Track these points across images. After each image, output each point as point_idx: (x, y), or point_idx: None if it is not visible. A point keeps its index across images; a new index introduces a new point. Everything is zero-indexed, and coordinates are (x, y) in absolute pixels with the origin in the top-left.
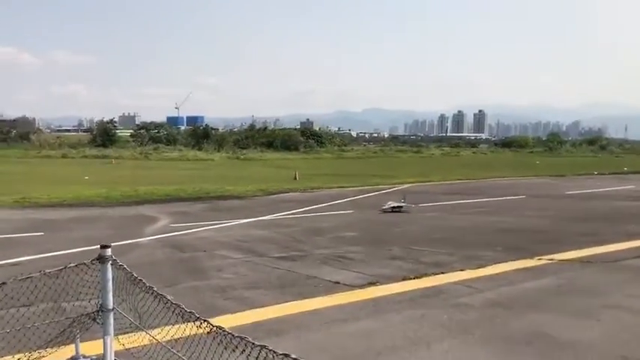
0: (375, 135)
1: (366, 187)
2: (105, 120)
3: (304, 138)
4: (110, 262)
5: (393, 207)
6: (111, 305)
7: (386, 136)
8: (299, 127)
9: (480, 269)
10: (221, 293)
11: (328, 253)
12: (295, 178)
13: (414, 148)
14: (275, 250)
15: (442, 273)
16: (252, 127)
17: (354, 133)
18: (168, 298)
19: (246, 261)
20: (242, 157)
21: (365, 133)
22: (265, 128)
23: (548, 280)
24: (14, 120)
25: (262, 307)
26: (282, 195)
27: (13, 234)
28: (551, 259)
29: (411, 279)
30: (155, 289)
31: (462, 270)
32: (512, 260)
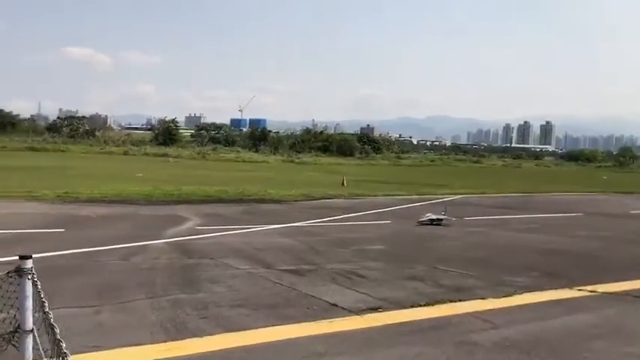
0: (437, 143)
1: (413, 197)
2: (167, 119)
3: (360, 144)
4: (30, 275)
5: (432, 219)
6: (30, 326)
7: (448, 144)
8: (359, 132)
9: (505, 298)
10: (200, 311)
11: (342, 268)
12: (343, 184)
13: (473, 158)
14: (287, 262)
15: (459, 300)
16: (308, 130)
17: (414, 141)
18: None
19: (249, 272)
20: (297, 160)
21: (426, 140)
22: (322, 132)
23: (584, 318)
24: (82, 117)
25: (237, 330)
26: (323, 201)
27: (33, 229)
28: (594, 291)
29: (420, 306)
30: (51, 316)
31: (483, 298)
32: (546, 289)
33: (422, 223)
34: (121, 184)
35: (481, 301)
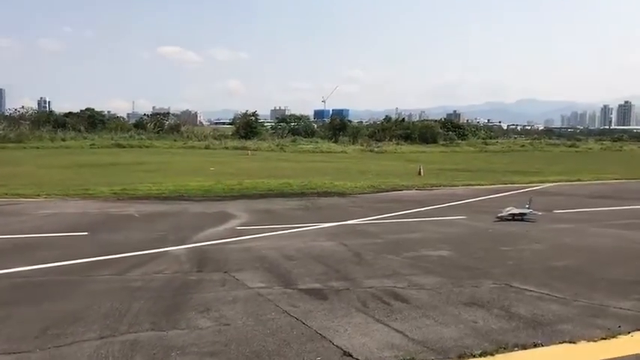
0: (528, 128)
1: (497, 186)
2: (248, 113)
3: (444, 130)
4: None
5: (514, 214)
6: None
7: (540, 128)
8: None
9: (606, 342)
10: None
11: (383, 285)
12: (419, 174)
13: (568, 142)
14: (315, 276)
15: (534, 346)
16: (389, 118)
17: (504, 126)
18: None
19: (258, 294)
20: (376, 149)
21: (517, 125)
22: (403, 120)
23: None
24: (168, 113)
25: None
26: (393, 193)
27: (55, 233)
28: None
29: (472, 358)
30: None
31: (571, 342)
32: None
33: (501, 219)
34: (186, 179)
35: (567, 345)
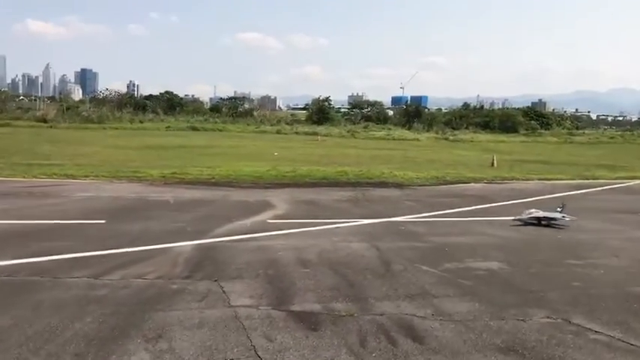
0: (620, 119)
1: (577, 181)
2: (321, 98)
3: (526, 119)
4: None
5: (539, 218)
6: None
7: (634, 119)
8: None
9: None
10: None
11: (398, 312)
12: (492, 165)
13: None
14: (319, 293)
15: None
16: (466, 105)
17: (593, 116)
18: None
19: (235, 316)
20: (451, 137)
21: (608, 115)
22: (481, 107)
23: None
24: (243, 97)
25: None
26: (456, 186)
27: (74, 219)
28: None
29: None
30: None
31: None
32: None
33: (523, 222)
34: (243, 164)
35: None
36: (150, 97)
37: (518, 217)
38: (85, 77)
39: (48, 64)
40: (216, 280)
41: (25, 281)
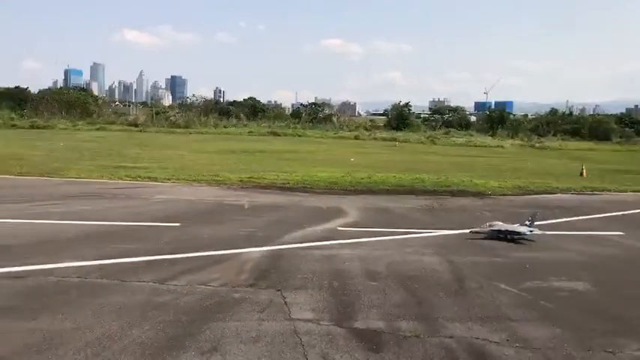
0: None
1: None
2: (401, 103)
3: (620, 126)
4: None
5: (501, 232)
6: None
7: None
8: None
9: None
10: None
11: (469, 336)
12: (582, 175)
13: None
14: (385, 310)
15: None
16: (554, 111)
17: None
18: None
19: (295, 331)
20: (537, 145)
21: None
22: (570, 113)
23: None
24: (323, 103)
25: None
26: (541, 196)
27: (148, 222)
28: None
29: None
30: None
31: None
32: None
33: (484, 236)
34: (319, 169)
35: None
36: (234, 102)
37: (476, 230)
38: (175, 84)
39: (141, 72)
40: (279, 290)
41: (94, 284)
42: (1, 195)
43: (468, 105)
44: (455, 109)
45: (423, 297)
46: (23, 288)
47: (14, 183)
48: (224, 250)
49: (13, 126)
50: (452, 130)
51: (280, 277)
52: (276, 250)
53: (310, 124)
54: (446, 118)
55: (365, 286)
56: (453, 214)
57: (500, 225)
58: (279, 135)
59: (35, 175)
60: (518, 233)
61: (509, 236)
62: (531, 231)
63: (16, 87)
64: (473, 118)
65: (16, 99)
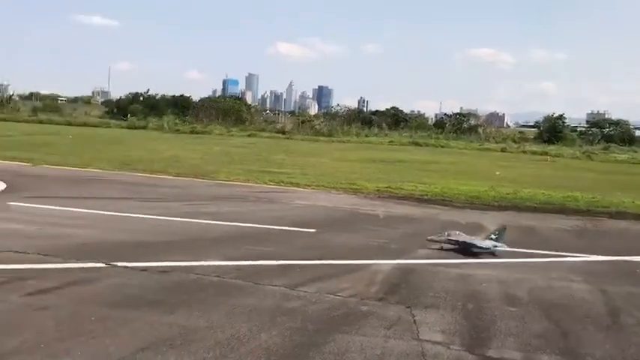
0: None
1: None
2: (554, 115)
3: None
4: None
5: (459, 243)
6: None
7: None
8: None
9: None
10: None
11: None
12: None
13: None
14: (523, 339)
15: None
16: None
17: None
18: None
19: (422, 354)
20: None
21: None
22: None
23: None
24: (468, 114)
25: None
26: None
27: (286, 226)
28: None
29: None
30: None
31: None
32: None
33: (440, 245)
34: (461, 182)
35: None
36: (376, 112)
37: (432, 238)
38: (321, 94)
39: (291, 82)
40: (408, 307)
41: (230, 284)
42: (159, 194)
43: (633, 118)
44: (617, 123)
45: (568, 329)
46: (167, 283)
47: (171, 183)
48: (356, 259)
49: (177, 131)
50: (612, 145)
51: (411, 293)
52: (409, 264)
53: (454, 134)
54: (605, 132)
55: (502, 311)
56: (609, 238)
57: (458, 234)
58: (420, 145)
59: (189, 177)
60: (481, 247)
61: (470, 249)
62: (496, 246)
63: (181, 95)
64: (638, 133)
65: (179, 106)
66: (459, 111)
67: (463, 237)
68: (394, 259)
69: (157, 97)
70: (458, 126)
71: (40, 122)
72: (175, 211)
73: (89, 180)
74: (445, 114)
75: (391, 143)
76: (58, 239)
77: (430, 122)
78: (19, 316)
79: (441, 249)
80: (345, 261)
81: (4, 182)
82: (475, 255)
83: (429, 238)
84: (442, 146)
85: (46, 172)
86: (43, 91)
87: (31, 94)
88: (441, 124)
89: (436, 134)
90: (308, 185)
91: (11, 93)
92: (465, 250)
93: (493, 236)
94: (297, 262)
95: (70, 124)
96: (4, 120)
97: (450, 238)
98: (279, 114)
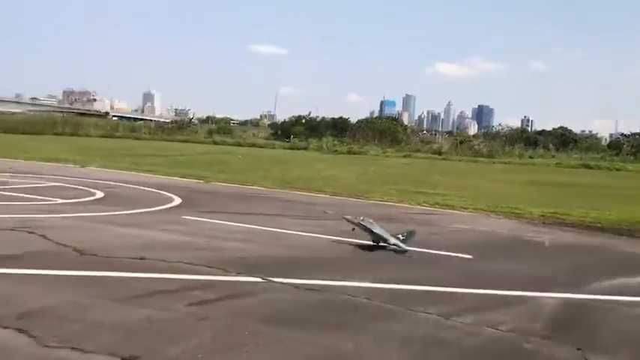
0: None
1: None
2: None
3: None
4: None
5: (368, 230)
6: None
7: None
8: None
9: None
10: None
11: None
12: None
13: None
14: None
15: None
16: None
17: None
18: None
19: None
20: None
21: None
22: None
23: None
24: (627, 134)
25: None
26: None
27: (441, 250)
28: None
29: None
30: None
31: None
32: None
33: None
34: None
35: None
36: (542, 132)
37: (348, 217)
38: (482, 113)
39: (449, 102)
40: (580, 349)
41: (380, 308)
42: (317, 212)
43: None
44: None
45: None
46: (318, 301)
47: (329, 201)
48: (517, 291)
49: (335, 151)
50: None
51: (582, 333)
52: (579, 299)
53: (632, 157)
54: None
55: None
56: None
57: (372, 223)
58: (591, 168)
59: (344, 196)
60: (386, 240)
61: (380, 242)
62: (396, 244)
63: (340, 117)
64: None
65: (338, 128)
66: (638, 130)
67: (377, 228)
68: (562, 292)
69: (318, 120)
70: (637, 147)
71: (215, 143)
72: (331, 229)
73: (252, 197)
74: (622, 134)
75: (558, 165)
76: (223, 252)
77: (604, 143)
78: (182, 326)
79: (353, 230)
80: (505, 292)
81: (180, 197)
82: (381, 248)
83: (345, 216)
84: (617, 169)
85: (217, 188)
86: (218, 115)
87: (208, 117)
88: (616, 144)
89: (610, 156)
90: (464, 208)
91: (191, 117)
92: (377, 241)
93: (400, 237)
94: (452, 290)
95: (239, 144)
96: (186, 141)
97: (362, 223)
98: (436, 134)
